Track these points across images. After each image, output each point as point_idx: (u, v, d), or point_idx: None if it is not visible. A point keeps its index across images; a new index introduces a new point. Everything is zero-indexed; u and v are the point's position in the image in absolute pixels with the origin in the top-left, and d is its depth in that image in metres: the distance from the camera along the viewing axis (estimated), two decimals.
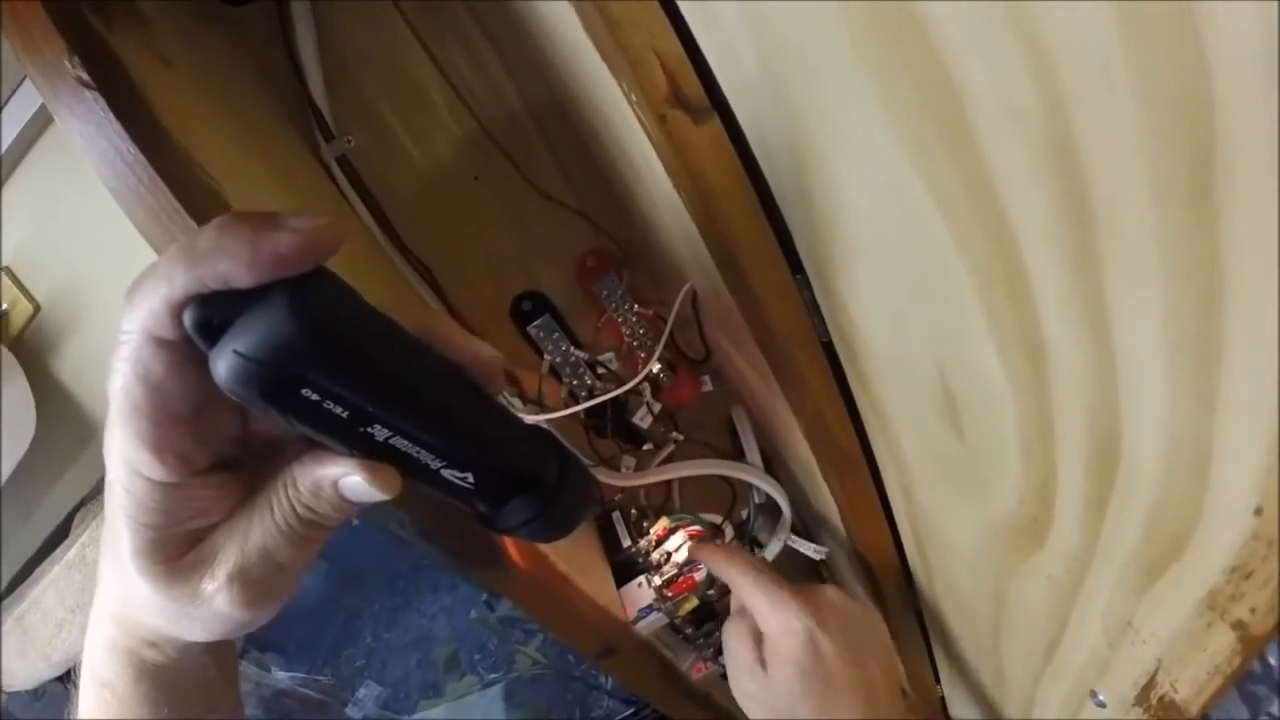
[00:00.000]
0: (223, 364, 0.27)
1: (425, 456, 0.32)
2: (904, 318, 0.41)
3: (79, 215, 0.71)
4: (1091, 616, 0.45)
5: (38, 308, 0.77)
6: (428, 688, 2.07)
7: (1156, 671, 0.42)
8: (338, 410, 0.28)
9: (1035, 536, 0.44)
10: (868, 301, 0.43)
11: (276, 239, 0.26)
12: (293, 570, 0.33)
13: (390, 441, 0.30)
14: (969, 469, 0.46)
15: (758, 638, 0.60)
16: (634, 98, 0.41)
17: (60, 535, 0.91)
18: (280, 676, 2.04)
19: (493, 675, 2.03)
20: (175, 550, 0.31)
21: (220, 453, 0.32)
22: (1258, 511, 0.29)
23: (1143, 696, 0.44)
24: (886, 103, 0.30)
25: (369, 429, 0.30)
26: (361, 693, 2.05)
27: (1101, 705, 0.50)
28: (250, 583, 0.31)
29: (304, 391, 0.27)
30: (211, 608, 0.31)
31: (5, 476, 0.78)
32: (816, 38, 0.32)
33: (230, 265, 0.26)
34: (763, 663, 0.59)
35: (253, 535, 0.31)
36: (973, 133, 0.27)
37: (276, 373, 0.27)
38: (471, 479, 0.34)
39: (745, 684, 0.60)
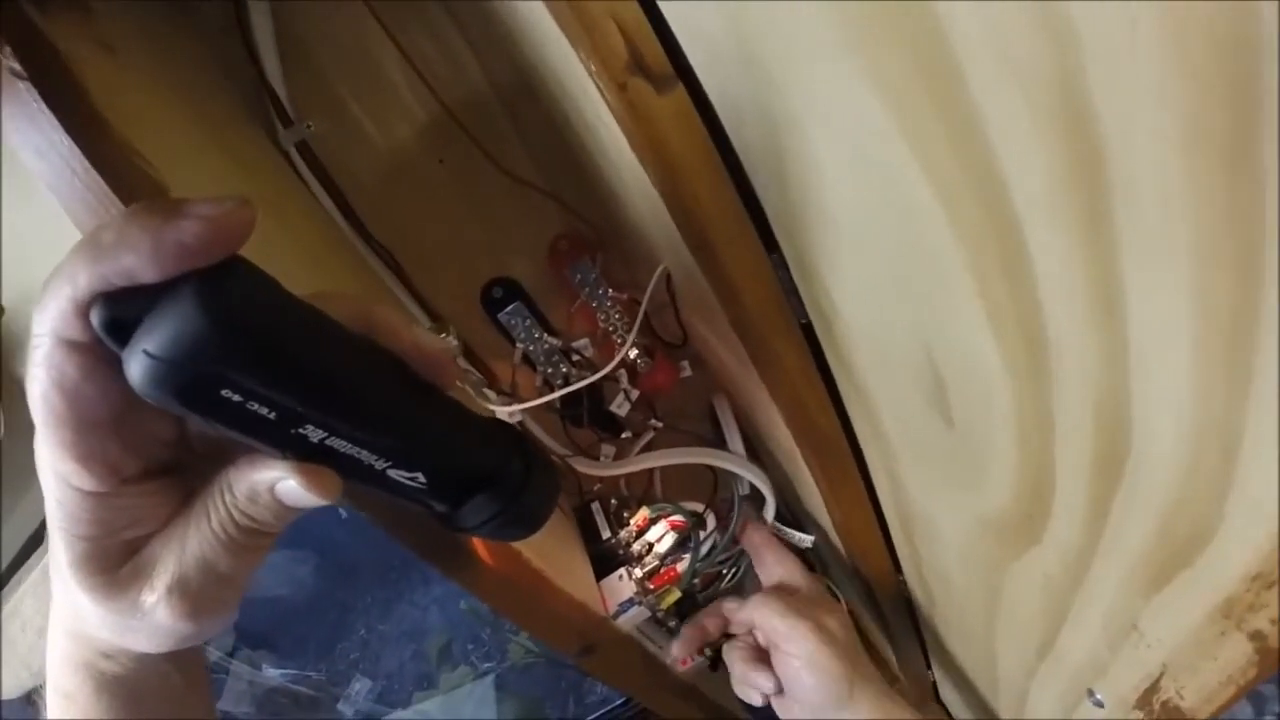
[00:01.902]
0: (134, 365, 0.25)
1: (367, 457, 0.30)
2: (888, 298, 0.38)
3: (43, 216, 0.68)
4: (1091, 617, 0.43)
5: (1, 310, 0.74)
6: (422, 679, 2.07)
7: (1161, 676, 0.40)
8: (263, 411, 0.26)
9: (1030, 532, 0.42)
10: (849, 280, 0.41)
11: (180, 228, 0.24)
12: (235, 580, 0.31)
13: (326, 442, 0.28)
14: (959, 459, 0.44)
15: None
16: (592, 67, 0.38)
17: (36, 541, 0.89)
18: (272, 674, 2.03)
19: (486, 665, 2.03)
20: (112, 561, 0.30)
21: (154, 458, 0.30)
22: None
23: (1144, 700, 0.42)
24: (867, 57, 0.27)
25: (301, 430, 0.27)
26: (354, 688, 2.05)
27: (1099, 705, 0.48)
28: (190, 594, 0.30)
29: (224, 392, 0.25)
30: (153, 620, 0.30)
31: None
32: None
33: (134, 259, 0.24)
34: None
35: (190, 545, 0.30)
36: (966, 87, 0.24)
37: (190, 373, 0.24)
38: (423, 479, 0.32)
39: (819, 617, 0.66)
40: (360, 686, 2.08)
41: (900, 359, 0.41)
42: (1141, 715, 0.44)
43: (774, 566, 0.72)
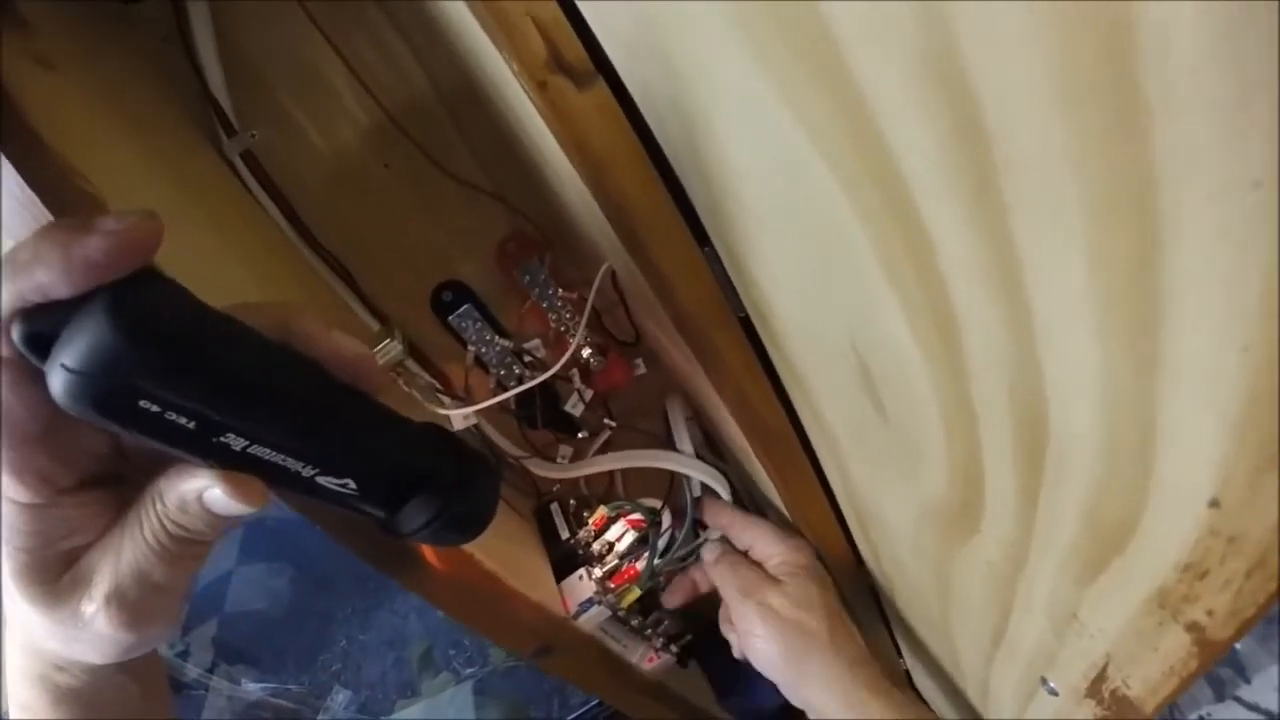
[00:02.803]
0: (54, 379, 0.25)
1: (293, 464, 0.30)
2: (810, 288, 0.38)
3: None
4: (1034, 605, 0.43)
5: None
6: (404, 687, 2.05)
7: (1106, 666, 0.40)
8: (182, 421, 0.26)
9: (969, 520, 0.42)
10: (774, 272, 0.41)
11: (87, 244, 0.25)
12: (173, 588, 0.31)
13: (249, 450, 0.28)
14: (896, 447, 0.44)
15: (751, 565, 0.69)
16: (514, 66, 0.38)
17: None
18: (252, 689, 2.02)
19: (468, 670, 2.02)
20: (51, 572, 0.30)
21: (88, 469, 0.30)
22: (1213, 504, 0.25)
23: (1094, 689, 0.42)
24: (756, 46, 0.27)
25: (223, 439, 0.27)
26: (336, 699, 2.03)
27: (1054, 694, 0.48)
28: (128, 604, 0.30)
29: (142, 403, 0.25)
30: (94, 630, 0.30)
31: None
32: None
33: (47, 275, 0.25)
34: (772, 578, 0.67)
35: (125, 555, 0.30)
36: (847, 68, 0.24)
37: (106, 385, 0.25)
38: (353, 485, 0.32)
39: (761, 595, 0.66)
40: (342, 698, 2.07)
41: (829, 349, 0.41)
42: (1093, 704, 0.44)
43: (746, 539, 0.71)
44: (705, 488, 0.76)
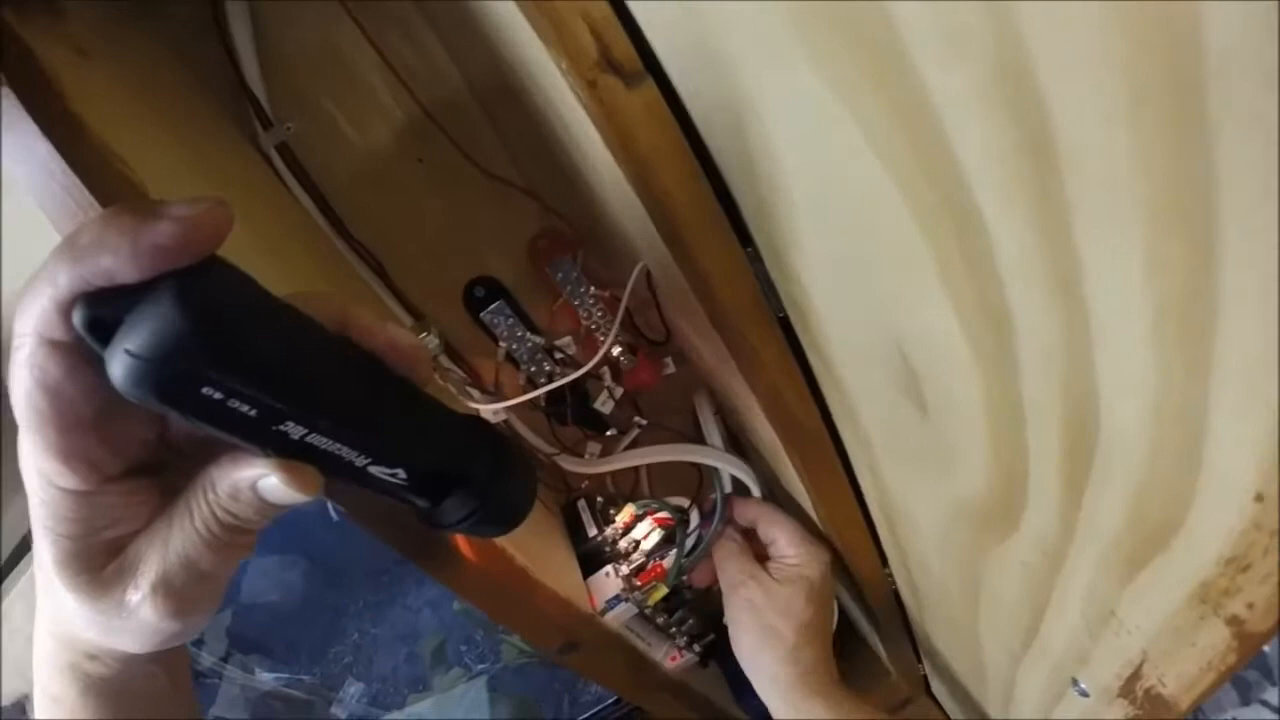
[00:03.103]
0: (116, 365, 0.25)
1: (348, 453, 0.30)
2: (856, 287, 0.39)
3: (23, 216, 0.68)
4: (1070, 604, 0.43)
5: None
6: (416, 681, 2.06)
7: (1142, 664, 0.40)
8: (244, 409, 0.27)
9: (1008, 519, 0.42)
10: (818, 271, 0.41)
11: (157, 230, 0.25)
12: (218, 577, 0.32)
13: (307, 439, 0.29)
14: (934, 447, 0.44)
15: (754, 557, 0.72)
16: (563, 64, 0.39)
17: (27, 546, 0.89)
18: (265, 679, 2.03)
19: (480, 666, 2.03)
20: (96, 560, 0.30)
21: (137, 456, 0.30)
22: (1258, 498, 0.26)
23: (1127, 688, 0.42)
24: (814, 44, 0.27)
25: (282, 427, 0.28)
26: (348, 691, 2.05)
27: (1084, 694, 0.48)
28: (174, 592, 0.30)
29: (205, 390, 0.26)
30: (138, 619, 0.30)
31: None
32: None
33: (112, 260, 0.25)
34: (768, 574, 0.70)
35: (173, 543, 0.30)
36: (912, 69, 0.24)
37: (171, 372, 0.25)
38: (403, 475, 0.32)
39: (748, 590, 0.69)
40: (354, 690, 2.08)
41: (872, 349, 0.41)
42: (1126, 703, 0.44)
43: (772, 533, 0.72)
44: (736, 486, 0.76)
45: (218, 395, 0.26)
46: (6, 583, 0.90)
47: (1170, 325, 0.24)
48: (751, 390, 0.53)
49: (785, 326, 0.50)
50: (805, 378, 0.53)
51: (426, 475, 0.33)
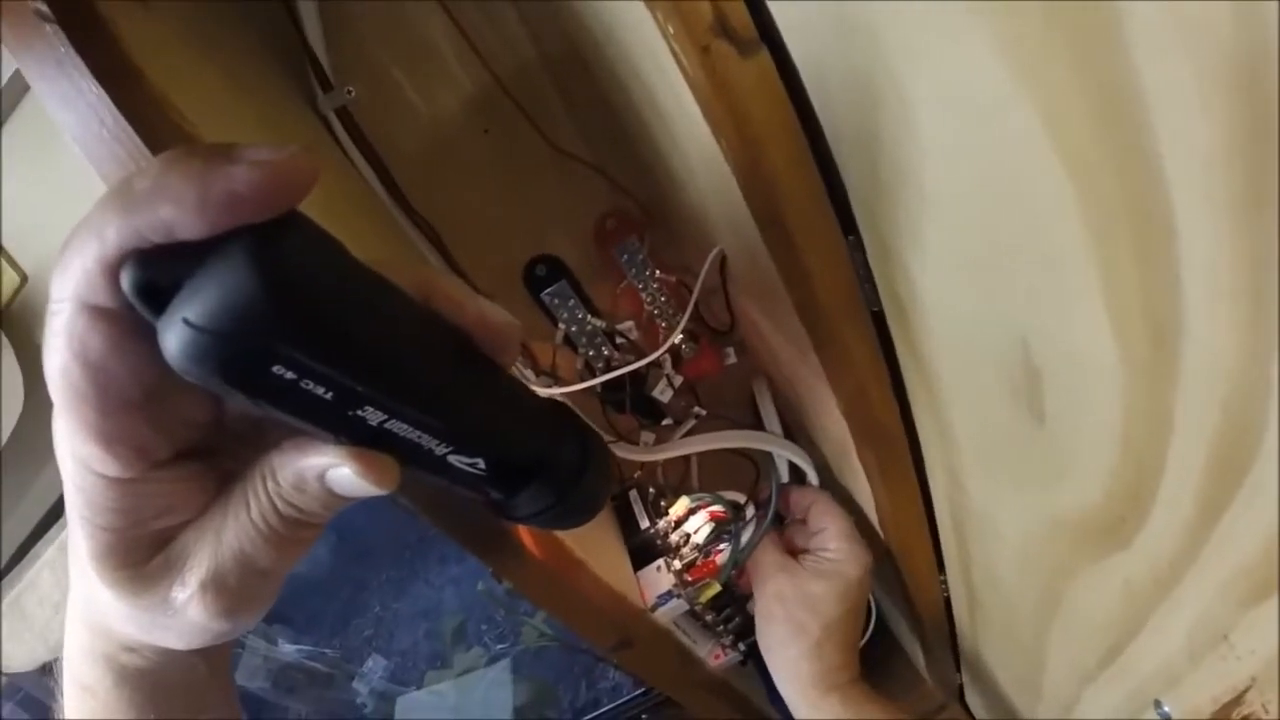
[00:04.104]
0: (172, 337, 0.21)
1: (428, 441, 0.27)
2: (984, 284, 0.36)
3: (65, 182, 0.66)
4: (1174, 626, 0.40)
5: (25, 278, 0.73)
6: (435, 658, 2.06)
7: (1247, 690, 0.38)
8: (319, 391, 0.23)
9: (1119, 536, 0.39)
10: (938, 265, 0.38)
11: (231, 174, 0.21)
12: (275, 574, 0.28)
13: (386, 426, 0.25)
14: (1041, 457, 0.41)
15: (787, 550, 0.71)
16: (671, 29, 0.36)
17: (55, 515, 0.88)
18: (287, 649, 2.03)
19: (500, 647, 2.02)
20: (140, 554, 0.27)
21: (187, 439, 0.27)
22: None
23: (1223, 713, 0.40)
24: (995, 14, 0.25)
25: (359, 412, 0.24)
26: (368, 665, 2.05)
27: (1165, 717, 0.46)
28: (226, 590, 0.27)
29: (275, 369, 0.22)
30: (185, 617, 0.27)
31: None
32: None
33: (175, 210, 0.21)
34: (803, 567, 0.69)
35: (227, 537, 0.27)
36: (1121, 50, 0.21)
37: (239, 347, 0.21)
38: (483, 465, 0.29)
39: (779, 582, 0.68)
40: (374, 664, 2.08)
41: (986, 350, 0.39)
42: None
43: (823, 522, 0.71)
44: (792, 475, 0.74)
45: (290, 375, 0.22)
46: (35, 549, 0.90)
47: None
48: (833, 386, 0.50)
49: (876, 320, 0.47)
50: (891, 376, 0.50)
51: (508, 465, 0.31)
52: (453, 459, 0.28)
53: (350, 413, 0.24)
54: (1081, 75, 0.23)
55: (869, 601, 0.81)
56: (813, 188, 0.40)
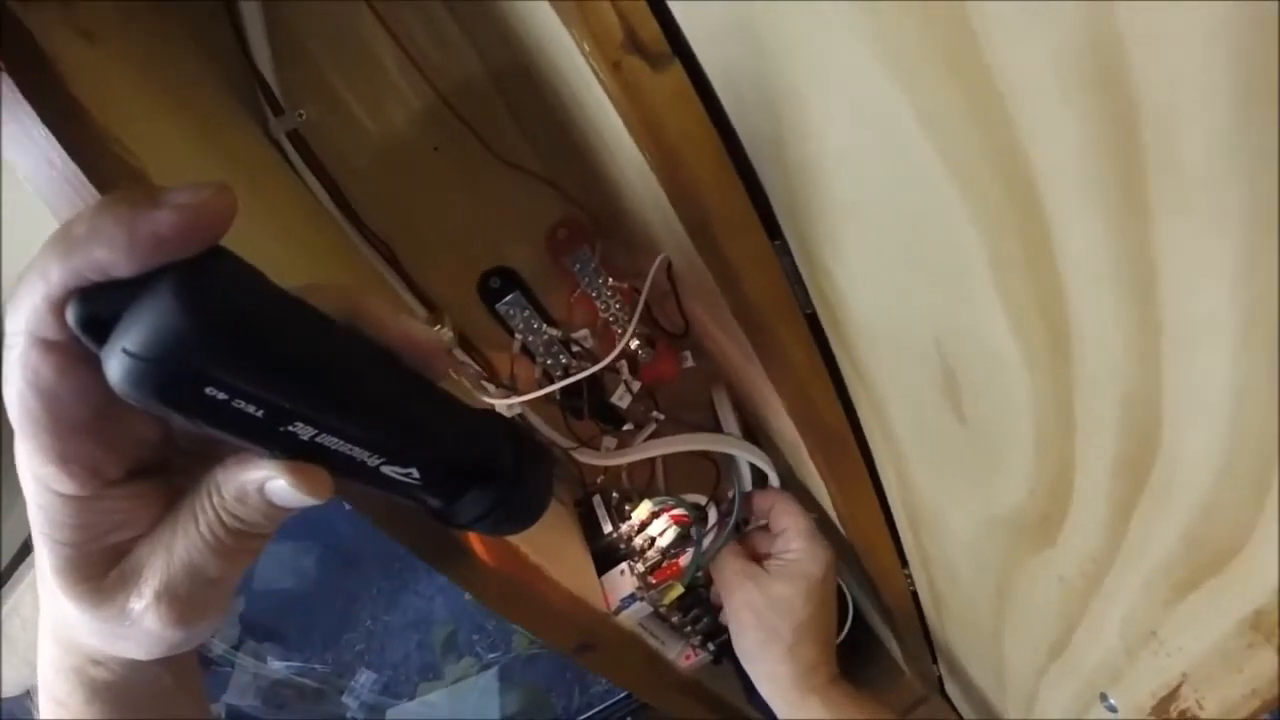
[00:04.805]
0: (113, 364, 0.23)
1: (359, 453, 0.28)
2: (896, 286, 0.37)
3: (26, 207, 0.67)
4: (1108, 622, 0.41)
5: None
6: (427, 669, 2.06)
7: (1180, 685, 0.38)
8: (250, 409, 0.25)
9: (1045, 533, 0.40)
10: (854, 267, 0.39)
11: (155, 218, 0.23)
12: (225, 583, 0.30)
13: (317, 440, 0.27)
14: (971, 455, 0.42)
15: (751, 557, 0.71)
16: (586, 46, 0.37)
17: None
18: (277, 666, 2.03)
19: (491, 655, 2.03)
20: (97, 568, 0.28)
21: (138, 459, 0.29)
22: None
23: (1161, 707, 0.41)
24: (876, 24, 0.25)
25: (290, 427, 0.26)
26: (359, 679, 2.05)
27: (1112, 710, 0.46)
28: (179, 600, 0.28)
29: (208, 390, 0.24)
30: (141, 627, 0.29)
31: None
32: None
33: (108, 252, 0.23)
34: (766, 572, 0.69)
35: (178, 549, 0.28)
36: (983, 51, 0.22)
37: (171, 371, 0.23)
38: (416, 474, 0.30)
39: (746, 592, 0.68)
40: (365, 678, 2.08)
41: (908, 350, 0.40)
42: None
43: (783, 523, 0.72)
44: (754, 477, 0.74)
45: (222, 396, 0.24)
46: (18, 572, 0.90)
47: (1257, 343, 0.22)
48: (775, 387, 0.51)
49: (812, 323, 0.48)
50: (831, 375, 0.51)
51: (441, 474, 0.31)
52: (386, 469, 0.29)
53: (281, 428, 0.26)
54: (951, 77, 0.24)
55: (844, 596, 0.82)
56: (735, 193, 0.40)
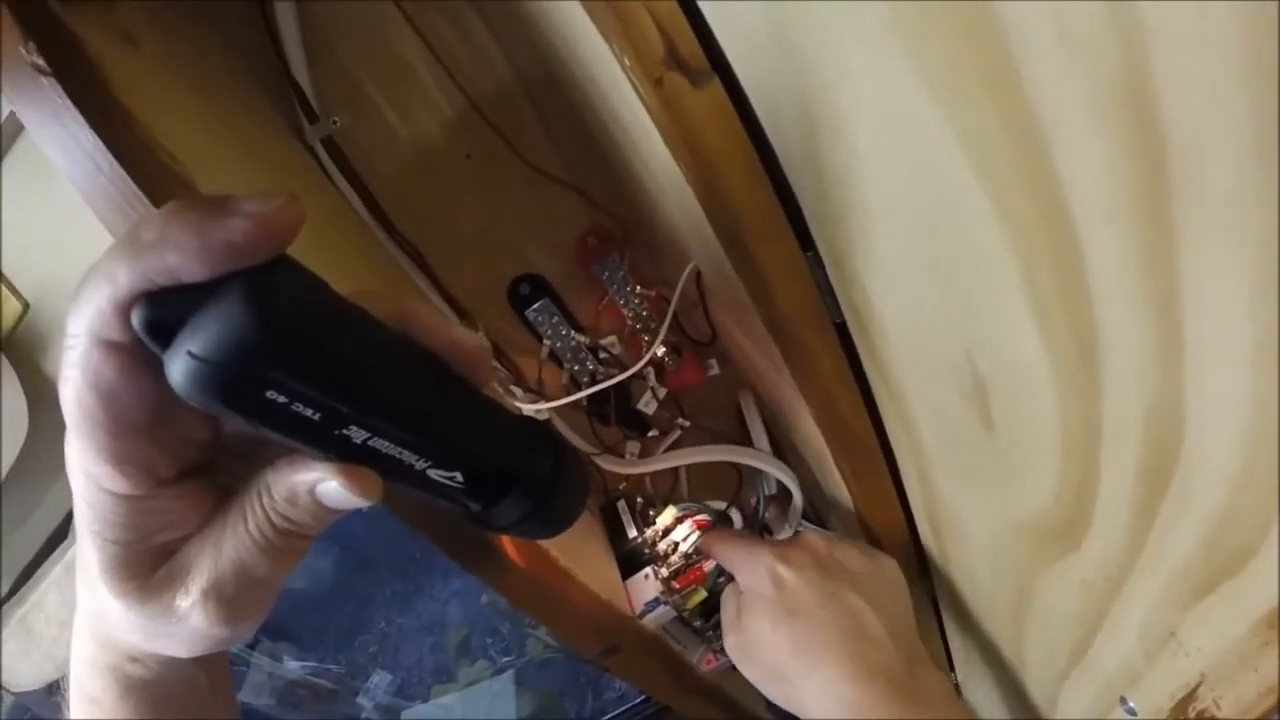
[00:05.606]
0: (177, 368, 0.24)
1: (408, 457, 0.29)
2: (928, 295, 0.37)
3: (65, 212, 0.68)
4: (1127, 625, 0.42)
5: (27, 306, 0.75)
6: (440, 672, 2.07)
7: (1198, 686, 0.39)
8: (308, 413, 0.26)
9: (1070, 538, 0.41)
10: (886, 279, 0.40)
11: (228, 226, 0.23)
12: (271, 583, 0.31)
13: (369, 443, 0.28)
14: (997, 463, 0.43)
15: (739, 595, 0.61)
16: (626, 61, 0.38)
17: (60, 535, 0.90)
18: (292, 666, 2.04)
19: (505, 659, 2.03)
20: (146, 566, 0.29)
21: (189, 459, 0.30)
22: None
23: (1180, 708, 0.41)
24: (914, 45, 0.26)
25: (344, 431, 0.27)
26: (373, 680, 2.05)
27: (1131, 713, 0.47)
28: (226, 599, 0.29)
29: (269, 394, 0.25)
30: (188, 625, 0.29)
31: (2, 476, 0.77)
32: None
33: (178, 258, 0.24)
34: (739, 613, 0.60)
35: (226, 548, 0.29)
36: (1021, 78, 0.23)
37: (236, 375, 0.24)
38: (460, 478, 0.31)
39: (730, 639, 0.60)
40: (379, 680, 2.09)
41: (938, 360, 0.40)
42: None
43: (742, 567, 0.63)
44: (777, 489, 0.75)
45: (282, 399, 0.25)
46: (42, 569, 0.91)
47: (1275, 358, 0.23)
48: (804, 397, 0.52)
49: (841, 332, 0.49)
50: (859, 384, 0.52)
51: (483, 478, 0.33)
52: (432, 473, 0.31)
53: (336, 432, 0.27)
54: (988, 99, 0.25)
55: None
56: (769, 206, 0.41)
